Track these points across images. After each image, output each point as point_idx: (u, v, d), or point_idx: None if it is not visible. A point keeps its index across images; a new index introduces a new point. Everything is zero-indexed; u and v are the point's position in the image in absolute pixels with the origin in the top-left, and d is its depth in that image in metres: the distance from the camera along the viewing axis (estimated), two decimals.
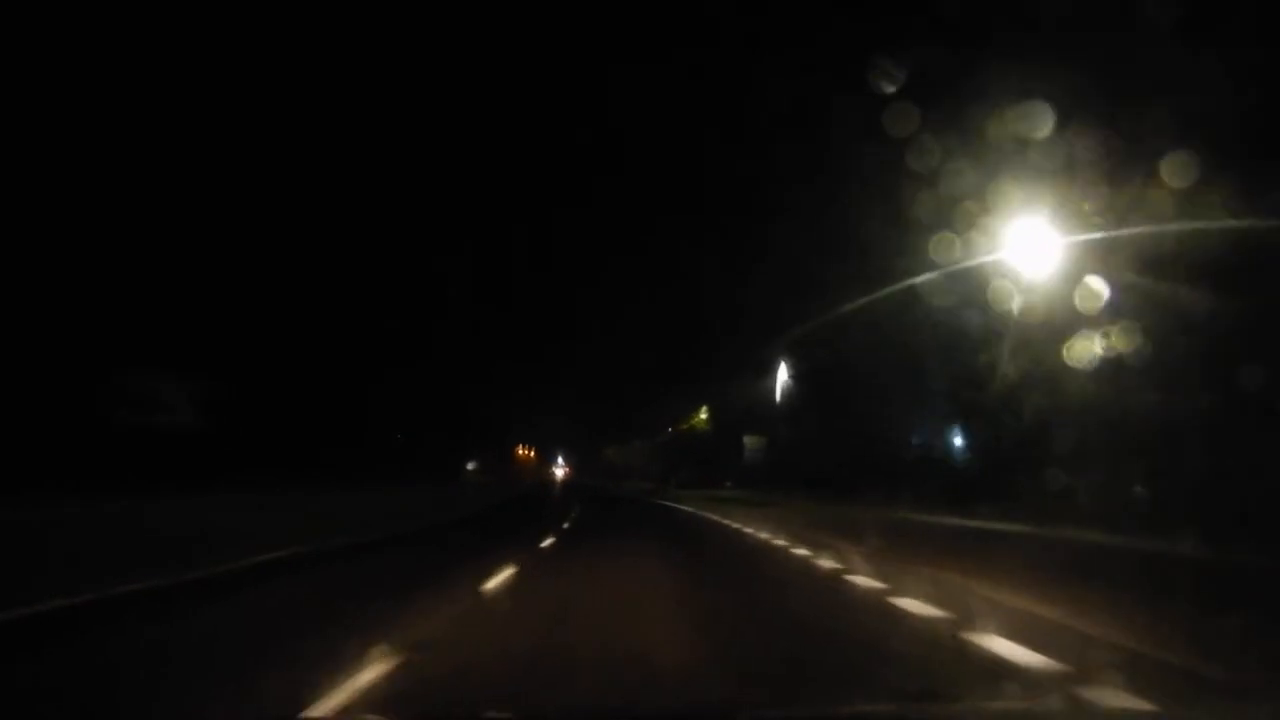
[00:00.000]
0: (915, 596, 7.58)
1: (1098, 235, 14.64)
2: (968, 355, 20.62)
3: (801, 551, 12.51)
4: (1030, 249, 15.35)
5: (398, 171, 64.24)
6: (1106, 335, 15.14)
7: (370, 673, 4.66)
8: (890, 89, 16.86)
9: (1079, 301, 14.91)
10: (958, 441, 29.58)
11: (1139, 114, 14.24)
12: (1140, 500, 16.46)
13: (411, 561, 12.16)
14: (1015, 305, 16.64)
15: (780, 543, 14.29)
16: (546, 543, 14.31)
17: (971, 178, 16.39)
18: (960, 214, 16.65)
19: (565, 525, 19.22)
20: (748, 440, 43.25)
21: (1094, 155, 15.52)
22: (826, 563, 10.89)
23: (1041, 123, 14.92)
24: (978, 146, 16.39)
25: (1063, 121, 14.66)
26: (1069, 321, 15.42)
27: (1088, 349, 15.45)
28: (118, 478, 19.49)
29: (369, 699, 4.28)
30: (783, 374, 36.89)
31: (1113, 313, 14.81)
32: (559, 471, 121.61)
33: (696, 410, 67.11)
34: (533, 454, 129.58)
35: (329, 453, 40.61)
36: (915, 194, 17.66)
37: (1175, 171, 12.89)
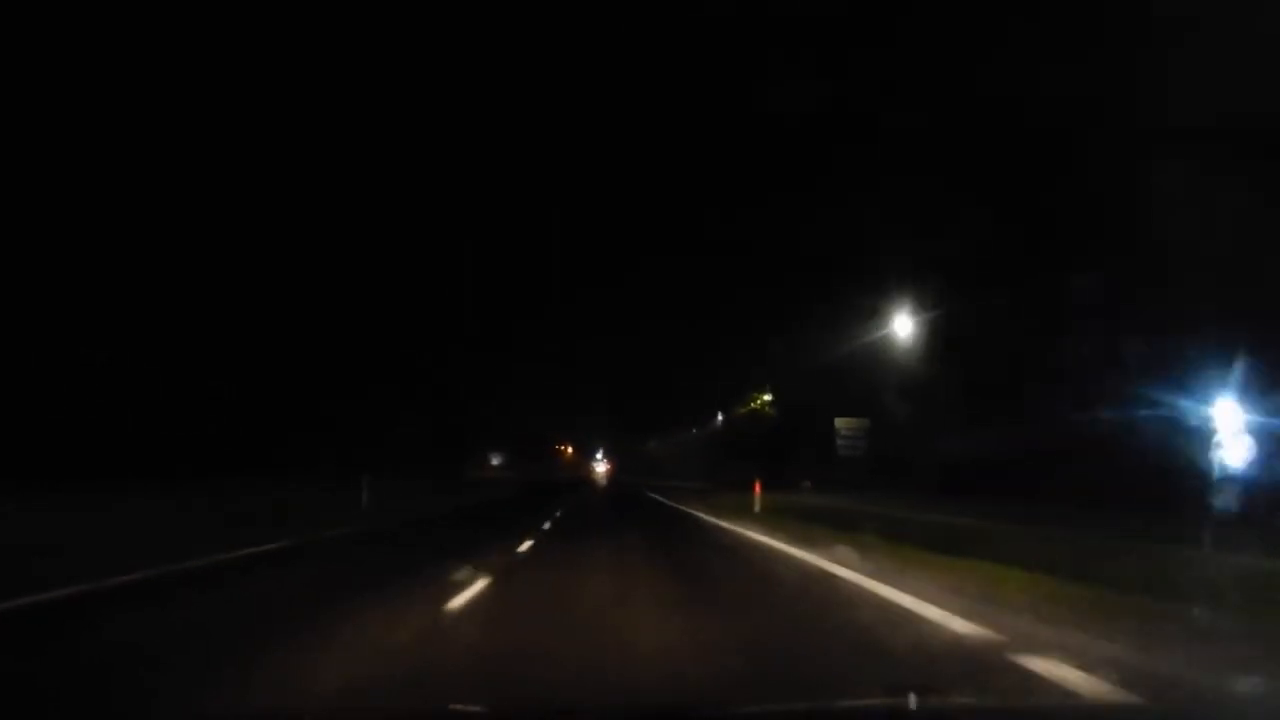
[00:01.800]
0: None
1: None
2: None
3: None
4: None
5: (419, 172, 62.99)
6: None
7: None
8: None
9: None
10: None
11: None
12: None
13: None
14: None
15: None
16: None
17: None
18: None
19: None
20: (840, 424, 31.44)
21: None
22: None
23: None
24: None
25: None
26: None
27: None
28: None
29: None
30: (904, 328, 25.51)
31: None
32: (600, 468, 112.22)
33: (758, 392, 55.60)
34: (570, 451, 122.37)
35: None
36: None
37: None
